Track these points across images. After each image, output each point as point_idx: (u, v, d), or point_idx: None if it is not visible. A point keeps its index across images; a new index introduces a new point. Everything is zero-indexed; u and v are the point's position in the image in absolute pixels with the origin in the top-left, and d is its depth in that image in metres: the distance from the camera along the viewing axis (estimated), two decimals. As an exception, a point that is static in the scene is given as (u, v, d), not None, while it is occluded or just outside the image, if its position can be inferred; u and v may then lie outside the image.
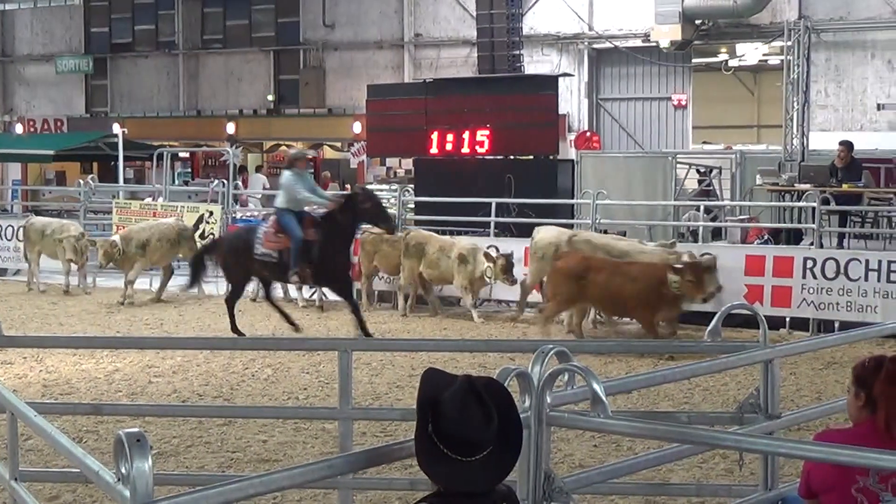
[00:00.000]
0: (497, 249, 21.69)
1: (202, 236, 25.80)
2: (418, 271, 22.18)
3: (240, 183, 32.46)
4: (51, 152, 40.52)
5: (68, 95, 49.60)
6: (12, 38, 51.33)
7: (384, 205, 20.76)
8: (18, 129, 49.12)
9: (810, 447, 5.36)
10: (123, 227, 25.38)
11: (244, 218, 28.76)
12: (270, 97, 45.35)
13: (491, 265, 21.08)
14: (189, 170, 46.01)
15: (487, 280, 21.33)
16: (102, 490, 4.46)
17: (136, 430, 4.21)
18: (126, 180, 38.32)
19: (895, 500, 5.74)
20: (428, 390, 4.55)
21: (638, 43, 36.98)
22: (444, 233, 23.65)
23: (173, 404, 13.22)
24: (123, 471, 4.14)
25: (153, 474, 4.14)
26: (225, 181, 27.04)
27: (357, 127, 38.90)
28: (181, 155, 43.99)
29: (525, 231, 22.56)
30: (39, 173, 48.11)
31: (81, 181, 29.69)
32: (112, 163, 38.49)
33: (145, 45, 48.11)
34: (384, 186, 35.86)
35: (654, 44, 35.79)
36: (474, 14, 30.67)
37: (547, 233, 21.27)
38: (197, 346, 15.93)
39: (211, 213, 26.06)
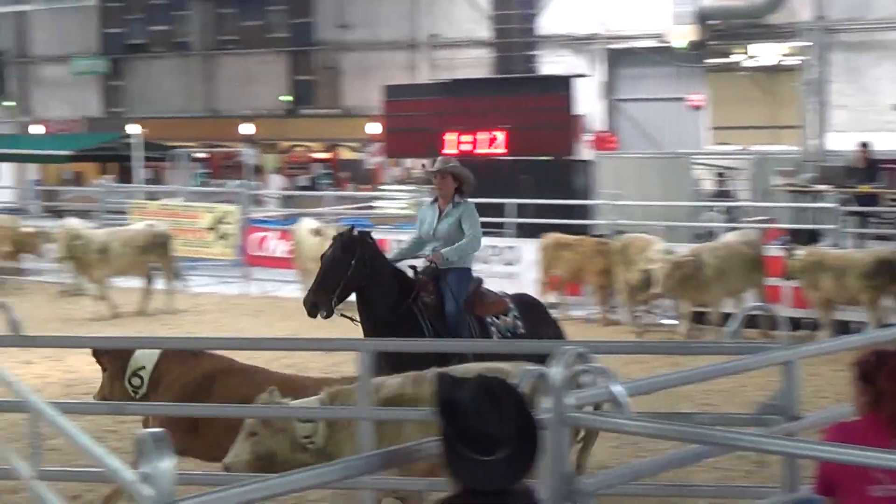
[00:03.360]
0: None
1: (220, 237, 25.80)
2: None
3: (257, 183, 32.49)
4: (68, 153, 40.58)
5: (85, 96, 49.69)
6: (29, 40, 51.44)
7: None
8: (36, 129, 49.27)
9: (827, 448, 5.36)
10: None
11: (262, 219, 28.79)
12: (286, 98, 45.35)
13: None
14: (207, 170, 46.08)
15: None
16: (124, 489, 4.46)
17: (158, 430, 4.22)
18: (146, 181, 38.34)
19: None
20: (442, 392, 4.60)
21: (653, 43, 36.92)
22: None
23: (193, 404, 13.20)
24: (145, 470, 4.15)
25: (175, 474, 4.14)
26: (242, 182, 27.02)
27: (373, 127, 38.88)
28: (199, 156, 44.03)
29: (541, 233, 22.41)
30: (57, 174, 48.20)
31: (99, 181, 29.68)
32: (127, 163, 38.53)
33: (160, 45, 48.19)
34: (401, 187, 35.85)
35: (668, 44, 35.73)
36: (489, 15, 30.66)
37: None
38: (213, 346, 15.87)
39: (229, 214, 26.08)
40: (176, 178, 34.66)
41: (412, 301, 11.59)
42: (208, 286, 26.20)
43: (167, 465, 4.14)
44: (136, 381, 9.76)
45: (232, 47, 46.70)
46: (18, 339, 8.88)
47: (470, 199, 12.35)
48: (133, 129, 38.97)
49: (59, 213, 31.81)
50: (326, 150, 46.96)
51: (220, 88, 46.97)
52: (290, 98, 45.42)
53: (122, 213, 28.43)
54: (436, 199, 12.37)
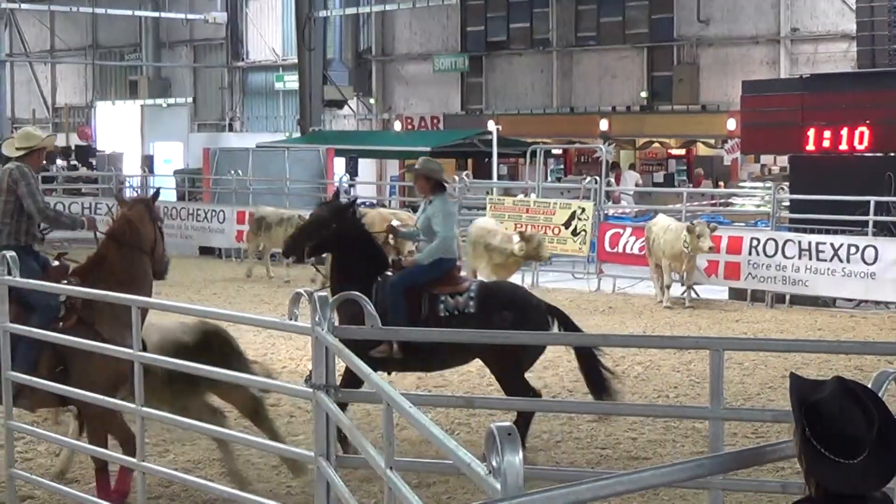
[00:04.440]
0: None
1: (574, 233, 25.93)
2: None
3: (612, 180, 32.49)
4: (427, 149, 41.42)
5: (444, 93, 50.74)
6: (392, 38, 52.88)
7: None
8: (397, 126, 50.66)
9: None
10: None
11: (616, 215, 28.80)
12: (643, 94, 45.25)
13: None
14: (562, 166, 46.41)
15: None
16: (474, 482, 4.52)
17: (507, 423, 4.26)
18: (500, 177, 38.85)
19: None
20: (799, 394, 4.51)
21: None
22: (817, 232, 23.16)
23: (544, 400, 13.32)
24: (495, 463, 4.19)
25: (523, 467, 4.17)
26: (597, 178, 27.10)
27: (731, 124, 38.38)
28: (554, 152, 44.37)
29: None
30: (417, 170, 49.32)
31: (456, 177, 30.21)
32: (486, 160, 39.17)
33: (520, 42, 48.78)
34: (758, 184, 35.30)
35: None
36: (854, 7, 29.81)
37: None
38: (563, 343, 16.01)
39: (583, 210, 26.18)
40: (532, 175, 34.86)
41: (381, 278, 12.12)
42: (562, 282, 26.39)
43: (516, 458, 4.17)
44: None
45: (591, 43, 46.89)
46: (375, 333, 9.11)
47: (449, 195, 13.67)
48: (490, 125, 39.58)
49: (415, 209, 32.54)
50: (682, 147, 46.62)
51: (578, 85, 47.22)
52: (646, 94, 45.30)
53: (480, 208, 28.89)
54: None
